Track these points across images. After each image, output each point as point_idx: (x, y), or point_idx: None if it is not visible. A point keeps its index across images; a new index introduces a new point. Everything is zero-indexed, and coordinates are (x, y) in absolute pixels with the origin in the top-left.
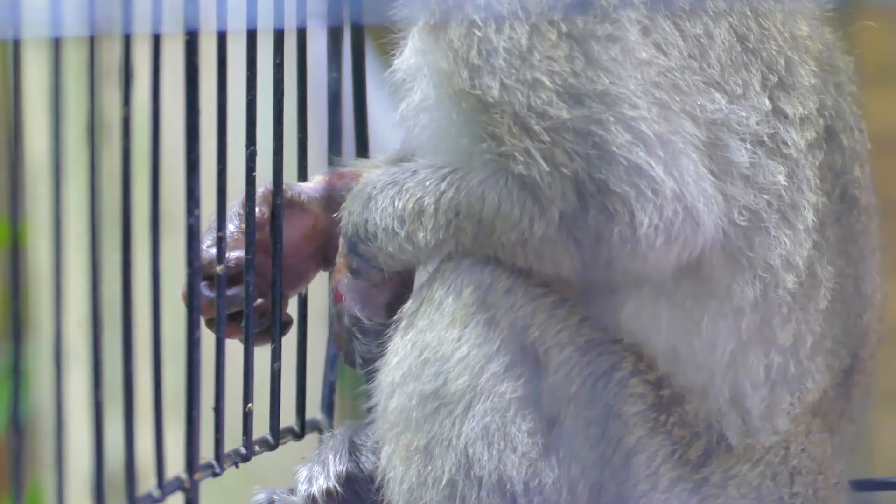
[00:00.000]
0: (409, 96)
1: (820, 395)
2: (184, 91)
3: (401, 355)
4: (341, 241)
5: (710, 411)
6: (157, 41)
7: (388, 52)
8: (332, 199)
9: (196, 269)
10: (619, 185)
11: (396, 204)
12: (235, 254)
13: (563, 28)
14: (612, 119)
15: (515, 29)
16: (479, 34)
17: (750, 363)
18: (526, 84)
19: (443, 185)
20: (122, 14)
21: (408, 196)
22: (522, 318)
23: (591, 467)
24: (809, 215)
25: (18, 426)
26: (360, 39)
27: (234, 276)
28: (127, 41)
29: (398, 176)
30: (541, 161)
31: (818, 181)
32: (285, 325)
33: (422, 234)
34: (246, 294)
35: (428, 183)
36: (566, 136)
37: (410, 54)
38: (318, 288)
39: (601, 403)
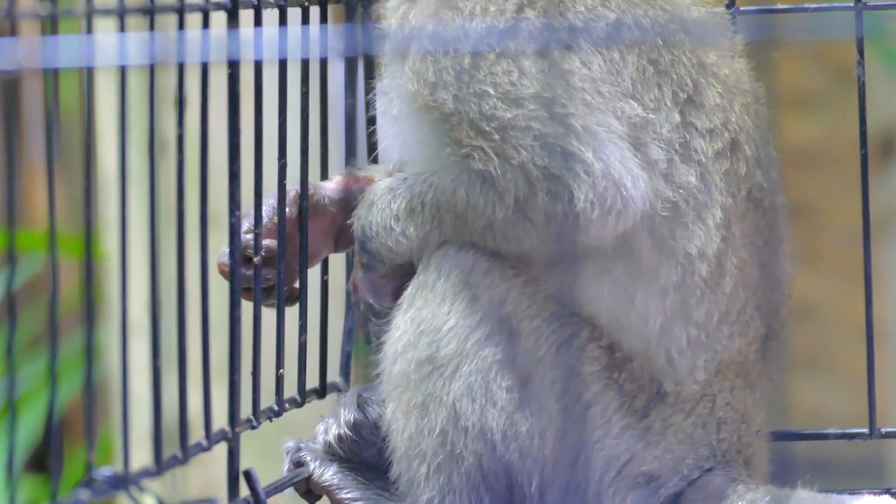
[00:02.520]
0: (388, 112)
1: (741, 358)
2: (227, 114)
3: (402, 329)
4: (355, 243)
5: (651, 368)
6: (205, 71)
7: None
8: (347, 201)
9: (237, 259)
10: (558, 169)
11: (392, 206)
12: (267, 241)
13: (497, 49)
14: (546, 115)
15: (460, 52)
16: (432, 58)
17: (674, 334)
18: (475, 94)
19: (425, 188)
20: (177, 48)
21: (400, 199)
22: (499, 295)
23: (556, 418)
24: (718, 213)
25: (91, 389)
26: (372, 71)
27: (266, 259)
28: (180, 71)
29: (392, 184)
30: (494, 157)
31: (724, 185)
32: (293, 297)
33: (412, 229)
34: (278, 282)
35: (415, 187)
36: (512, 133)
37: (387, 79)
38: (337, 274)
39: (564, 365)
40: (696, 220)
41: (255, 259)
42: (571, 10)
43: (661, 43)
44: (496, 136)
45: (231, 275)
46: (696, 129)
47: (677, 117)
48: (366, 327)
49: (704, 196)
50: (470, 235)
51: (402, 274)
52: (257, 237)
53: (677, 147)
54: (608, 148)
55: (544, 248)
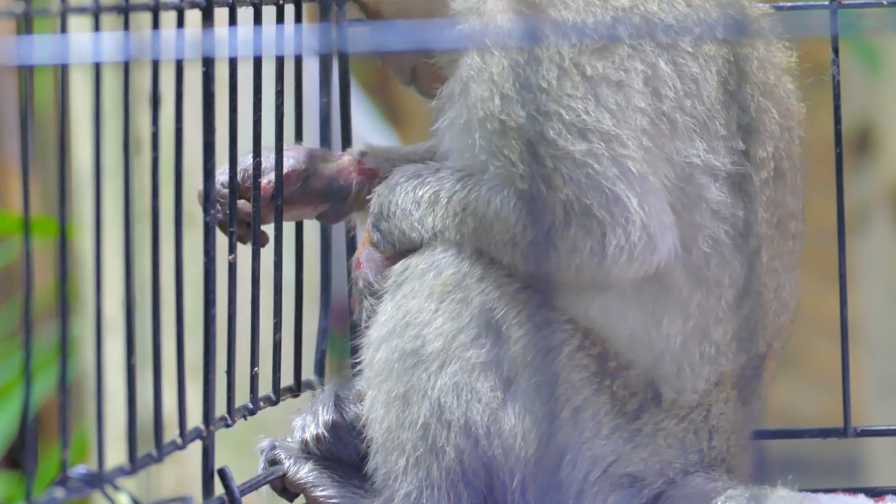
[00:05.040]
0: (447, 113)
1: (740, 372)
2: (202, 112)
3: (388, 314)
4: (368, 219)
5: (653, 377)
6: (179, 69)
7: (366, 82)
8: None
9: (212, 258)
10: (600, 210)
11: (417, 192)
12: (265, 179)
13: (587, 70)
14: (606, 155)
15: (548, 70)
16: (519, 71)
17: (689, 350)
18: (545, 115)
19: (458, 185)
20: (151, 46)
21: (427, 187)
22: (490, 301)
23: (541, 420)
24: (754, 242)
25: (65, 387)
26: (346, 71)
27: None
28: (155, 69)
29: (422, 171)
30: (541, 183)
31: (765, 213)
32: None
33: (430, 219)
34: (253, 268)
35: (445, 181)
36: (566, 163)
37: (455, 80)
38: (311, 272)
39: (551, 371)
40: (733, 250)
41: (230, 258)
42: (661, 24)
43: (733, 59)
44: (549, 164)
45: (206, 273)
46: (750, 158)
47: (741, 144)
48: (360, 306)
49: (746, 227)
50: (488, 246)
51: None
52: (232, 237)
53: (734, 177)
54: (652, 197)
55: (560, 276)
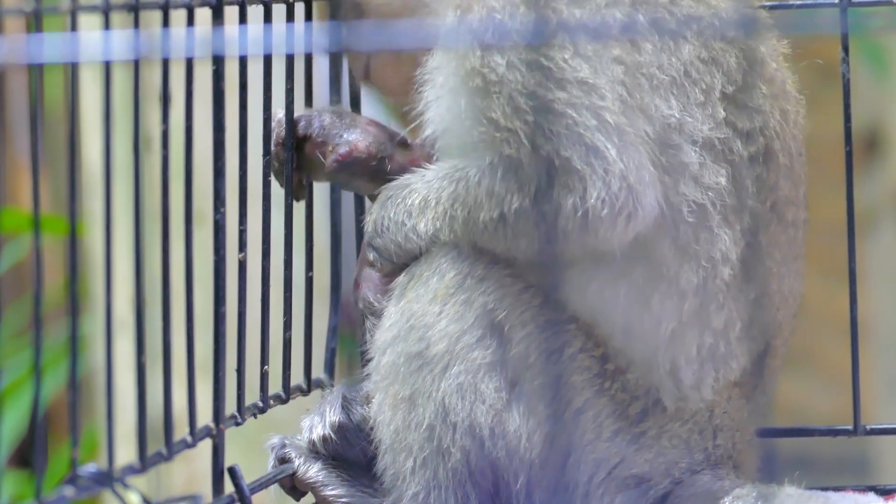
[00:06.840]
0: (433, 83)
1: (741, 372)
2: (212, 110)
3: (393, 320)
4: (364, 239)
5: (650, 380)
6: (190, 68)
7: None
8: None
9: (222, 256)
10: (580, 162)
11: (407, 201)
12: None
13: (564, 13)
14: (585, 104)
15: (525, 16)
16: (497, 17)
17: (686, 341)
18: (525, 63)
19: (444, 182)
20: (161, 44)
21: (416, 194)
22: (493, 302)
23: (544, 421)
24: (746, 219)
25: (75, 385)
26: None
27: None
28: (165, 67)
29: (411, 179)
30: (525, 142)
31: (755, 190)
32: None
33: (423, 224)
34: (263, 267)
35: (433, 183)
36: (546, 117)
37: (439, 52)
38: (322, 271)
39: (554, 372)
40: (722, 223)
41: (240, 256)
42: None
43: (716, 25)
44: (530, 118)
45: (216, 271)
46: (736, 129)
47: (721, 113)
48: (362, 325)
49: (733, 199)
50: (479, 234)
51: None
52: (242, 233)
53: (715, 143)
54: (630, 150)
55: (553, 247)
